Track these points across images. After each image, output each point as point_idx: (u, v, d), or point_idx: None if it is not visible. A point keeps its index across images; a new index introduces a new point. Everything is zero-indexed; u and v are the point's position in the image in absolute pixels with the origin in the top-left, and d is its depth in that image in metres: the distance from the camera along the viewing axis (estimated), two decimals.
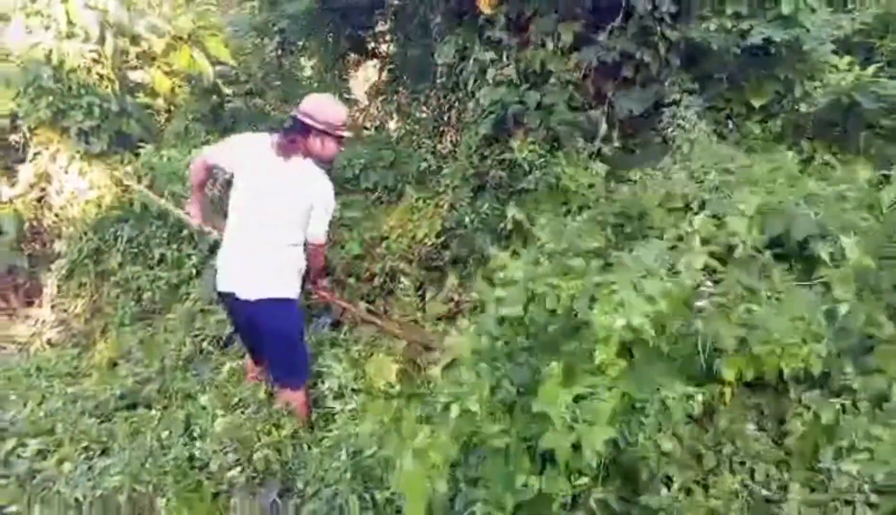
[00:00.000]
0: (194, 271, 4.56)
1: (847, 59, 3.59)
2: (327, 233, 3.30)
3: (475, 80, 4.30)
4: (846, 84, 3.37)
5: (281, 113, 6.34)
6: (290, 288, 3.22)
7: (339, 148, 3.32)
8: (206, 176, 3.50)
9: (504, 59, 4.03)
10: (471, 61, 4.14)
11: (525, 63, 4.05)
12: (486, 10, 4.13)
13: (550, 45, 3.96)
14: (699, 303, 2.26)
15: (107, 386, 3.76)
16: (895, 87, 3.45)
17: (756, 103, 3.66)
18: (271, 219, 3.16)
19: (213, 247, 4.43)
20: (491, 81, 4.00)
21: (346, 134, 3.29)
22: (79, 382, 4.06)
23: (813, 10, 3.52)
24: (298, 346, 3.32)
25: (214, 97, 6.14)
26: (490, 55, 4.01)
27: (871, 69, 3.45)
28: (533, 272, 2.43)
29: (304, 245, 3.28)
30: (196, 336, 4.12)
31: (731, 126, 3.74)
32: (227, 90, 6.26)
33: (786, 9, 3.38)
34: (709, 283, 2.33)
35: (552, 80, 3.90)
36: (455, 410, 2.08)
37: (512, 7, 4.07)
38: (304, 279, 3.39)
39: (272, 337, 3.22)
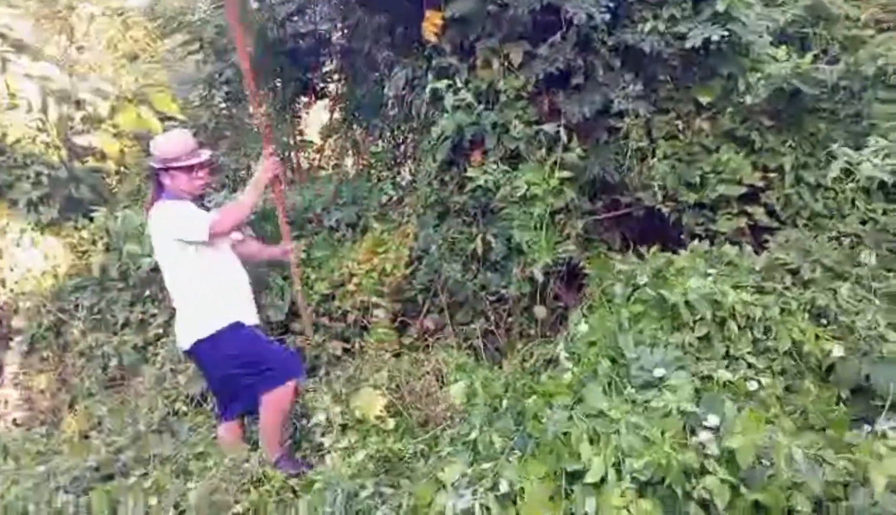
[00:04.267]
0: (160, 331, 4.44)
1: (784, 49, 3.70)
2: (209, 223, 3.14)
3: (427, 109, 4.32)
4: (786, 73, 3.47)
5: (233, 161, 6.28)
6: (212, 323, 3.20)
7: (196, 179, 3.32)
8: None
9: (457, 83, 4.06)
10: (426, 90, 4.15)
11: (476, 85, 4.08)
12: (432, 39, 4.17)
13: (497, 65, 4.00)
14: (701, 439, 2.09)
15: (80, 460, 3.59)
16: (832, 72, 3.57)
17: (703, 100, 3.73)
18: (163, 271, 3.34)
19: None
20: (449, 108, 4.01)
21: (187, 163, 3.27)
22: (50, 459, 3.88)
23: (748, 6, 3.63)
24: (256, 359, 3.25)
25: None
26: (444, 82, 4.03)
27: (808, 57, 3.56)
28: None
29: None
30: (168, 397, 3.99)
31: (680, 126, 3.82)
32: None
33: (721, 6, 3.48)
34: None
35: (503, 98, 3.93)
36: None
37: (456, 33, 4.11)
38: None
39: (225, 371, 3.25)
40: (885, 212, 3.27)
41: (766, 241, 3.37)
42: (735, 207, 3.62)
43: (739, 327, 2.68)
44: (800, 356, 2.61)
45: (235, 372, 3.23)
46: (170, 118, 6.05)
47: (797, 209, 3.54)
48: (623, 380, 2.46)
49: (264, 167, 3.44)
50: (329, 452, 3.06)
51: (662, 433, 2.09)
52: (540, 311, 3.84)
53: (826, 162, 3.47)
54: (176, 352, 4.13)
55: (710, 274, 2.88)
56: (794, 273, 3.00)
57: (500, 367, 3.47)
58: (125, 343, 4.50)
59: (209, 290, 3.24)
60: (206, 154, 3.38)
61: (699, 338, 2.68)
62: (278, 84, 6.35)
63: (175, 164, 3.24)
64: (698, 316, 2.70)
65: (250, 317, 3.40)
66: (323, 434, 3.17)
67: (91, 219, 5.03)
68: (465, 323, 4.13)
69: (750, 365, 2.59)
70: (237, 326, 3.24)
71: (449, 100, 3.91)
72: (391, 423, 3.16)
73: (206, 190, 3.61)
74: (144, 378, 4.22)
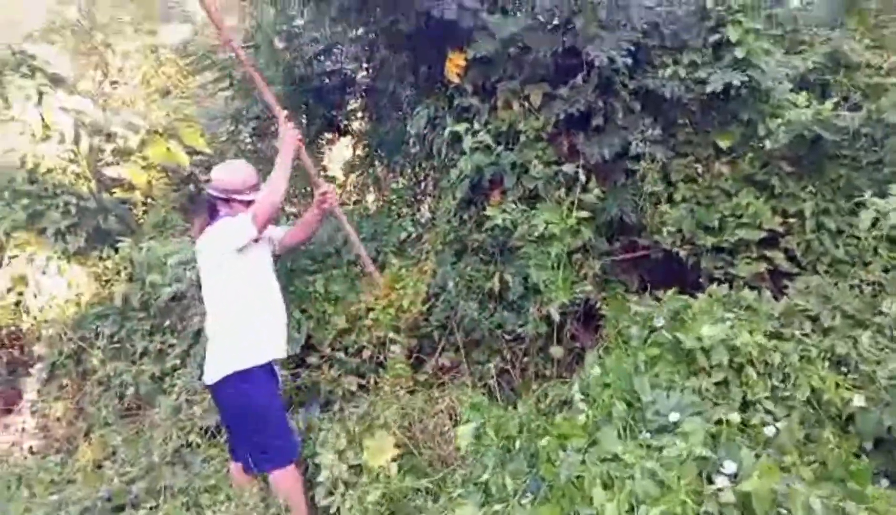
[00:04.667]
0: (178, 361, 4.46)
1: (804, 95, 3.71)
2: (250, 216, 3.07)
3: (447, 149, 4.38)
4: (806, 119, 3.47)
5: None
6: (240, 359, 3.11)
7: None
8: None
9: (476, 124, 4.11)
10: (446, 131, 4.22)
11: (496, 125, 4.14)
12: (454, 79, 4.25)
13: (517, 106, 4.05)
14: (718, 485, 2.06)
15: (92, 490, 3.60)
16: (853, 119, 3.56)
17: (723, 145, 3.74)
18: (205, 298, 3.26)
19: (196, 336, 4.38)
20: (468, 150, 4.07)
21: (249, 197, 3.21)
22: (63, 489, 3.89)
23: (767, 53, 3.66)
24: (271, 421, 3.17)
25: (191, 186, 6.19)
26: (464, 125, 4.09)
27: (828, 103, 3.56)
28: None
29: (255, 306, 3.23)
30: (182, 428, 3.99)
31: (699, 170, 3.82)
32: (205, 177, 6.32)
33: (740, 53, 3.51)
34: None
35: (523, 139, 3.97)
36: None
37: (478, 74, 4.19)
38: None
39: (238, 417, 3.18)
40: None
41: (786, 287, 3.33)
42: (754, 252, 3.60)
43: (758, 373, 2.64)
44: (819, 404, 2.56)
45: (244, 423, 3.17)
46: (198, 152, 6.20)
47: (818, 255, 3.50)
48: (638, 424, 2.42)
49: (285, 139, 3.32)
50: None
51: (679, 479, 2.05)
52: (556, 351, 3.81)
53: (850, 211, 3.45)
54: (192, 383, 4.16)
55: (728, 319, 2.84)
56: (814, 320, 2.96)
57: (515, 407, 3.43)
58: (143, 372, 4.52)
59: (249, 316, 3.17)
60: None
61: (716, 384, 2.64)
62: (304, 120, 6.48)
63: (237, 197, 3.22)
64: (715, 362, 2.66)
65: (280, 350, 3.33)
66: (327, 495, 3.12)
67: (116, 250, 5.12)
68: (481, 361, 4.10)
69: (768, 412, 2.54)
70: (263, 370, 3.17)
71: (468, 142, 3.96)
72: (394, 469, 3.10)
73: None
74: (160, 408, 4.23)
